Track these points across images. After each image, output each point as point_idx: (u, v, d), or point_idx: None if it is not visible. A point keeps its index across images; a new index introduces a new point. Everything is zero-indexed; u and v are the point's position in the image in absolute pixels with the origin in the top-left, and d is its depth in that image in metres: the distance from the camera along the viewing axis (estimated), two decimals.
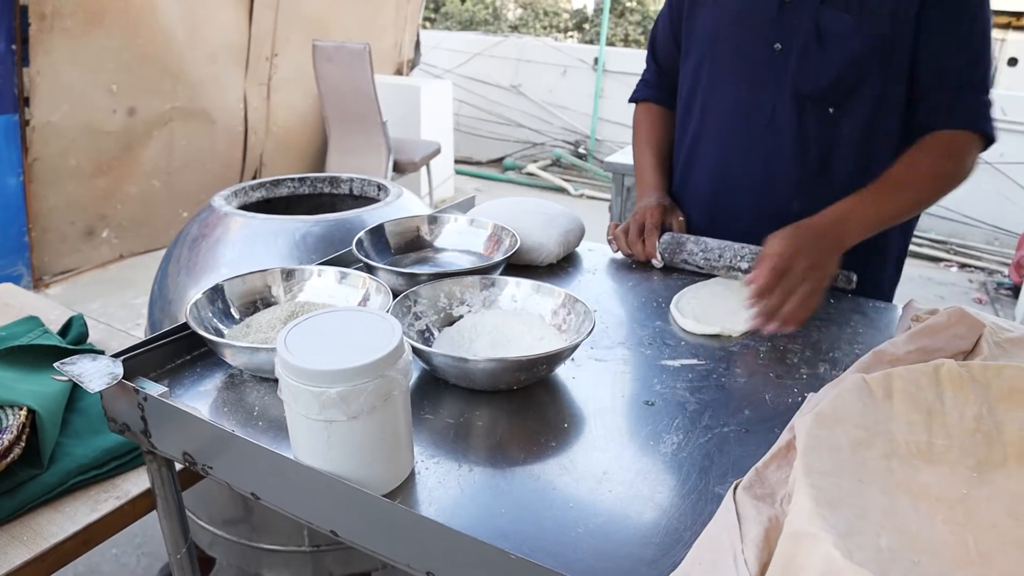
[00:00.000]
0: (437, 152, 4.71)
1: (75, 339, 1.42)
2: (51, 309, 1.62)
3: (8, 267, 3.58)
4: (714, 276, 1.34)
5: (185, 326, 1.01)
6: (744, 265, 1.29)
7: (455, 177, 5.86)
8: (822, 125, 1.31)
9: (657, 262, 1.39)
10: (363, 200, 1.80)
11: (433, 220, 1.42)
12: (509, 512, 0.75)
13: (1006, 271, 4.53)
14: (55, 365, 0.88)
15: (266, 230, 1.51)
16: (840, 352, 1.09)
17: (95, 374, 0.87)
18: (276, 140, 4.96)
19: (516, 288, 1.12)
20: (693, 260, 1.36)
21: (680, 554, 0.68)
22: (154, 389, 0.92)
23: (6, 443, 1.06)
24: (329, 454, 0.75)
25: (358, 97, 4.25)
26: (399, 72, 5.94)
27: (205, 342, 0.98)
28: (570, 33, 10.51)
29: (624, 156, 3.10)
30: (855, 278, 1.27)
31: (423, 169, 4.67)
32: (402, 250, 1.38)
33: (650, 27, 1.64)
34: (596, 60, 6.34)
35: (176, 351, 1.03)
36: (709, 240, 1.36)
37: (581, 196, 5.92)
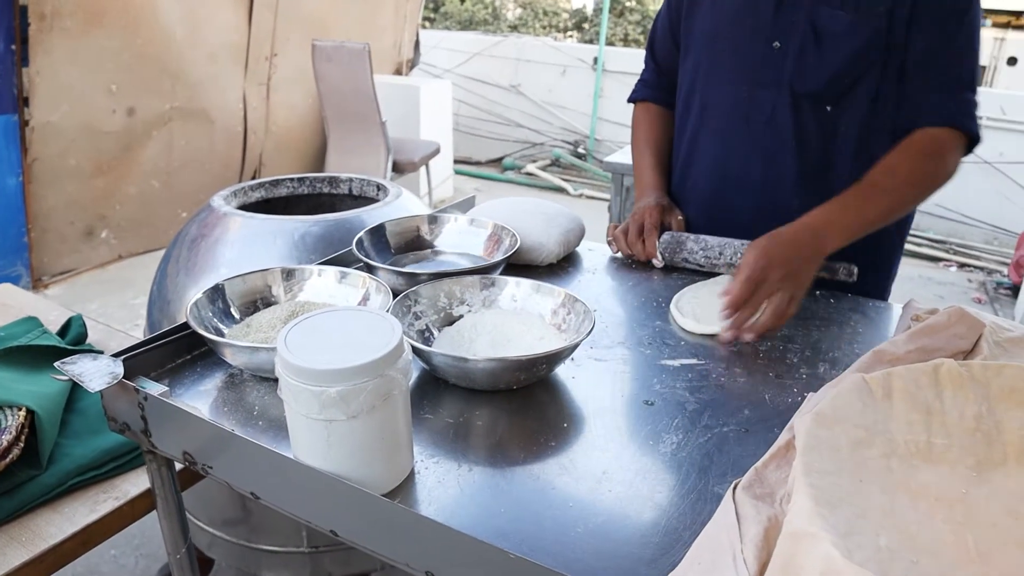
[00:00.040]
0: (436, 152, 4.71)
1: (74, 339, 1.42)
2: (50, 309, 1.62)
3: (7, 267, 3.58)
4: (715, 274, 1.34)
5: (185, 325, 1.01)
6: None
7: (454, 177, 5.86)
8: (820, 123, 1.31)
9: (658, 262, 1.39)
10: (362, 200, 1.80)
11: (433, 220, 1.42)
12: (509, 512, 0.75)
13: (1005, 271, 4.53)
14: (56, 364, 0.88)
15: (265, 230, 1.50)
16: (840, 352, 1.09)
17: (95, 373, 0.87)
18: (275, 140, 4.96)
19: (516, 288, 1.12)
20: (694, 259, 1.36)
21: (679, 553, 0.68)
22: (154, 388, 0.92)
23: (5, 444, 1.06)
24: (329, 453, 0.75)
25: (357, 97, 4.25)
26: (398, 72, 5.94)
27: (205, 341, 0.98)
28: (569, 33, 10.52)
29: (623, 156, 3.10)
30: (856, 270, 1.27)
31: (422, 169, 4.67)
32: (402, 250, 1.38)
33: (649, 27, 1.64)
34: (595, 60, 6.34)
35: (176, 351, 1.03)
36: (709, 238, 1.36)
37: (580, 196, 5.92)
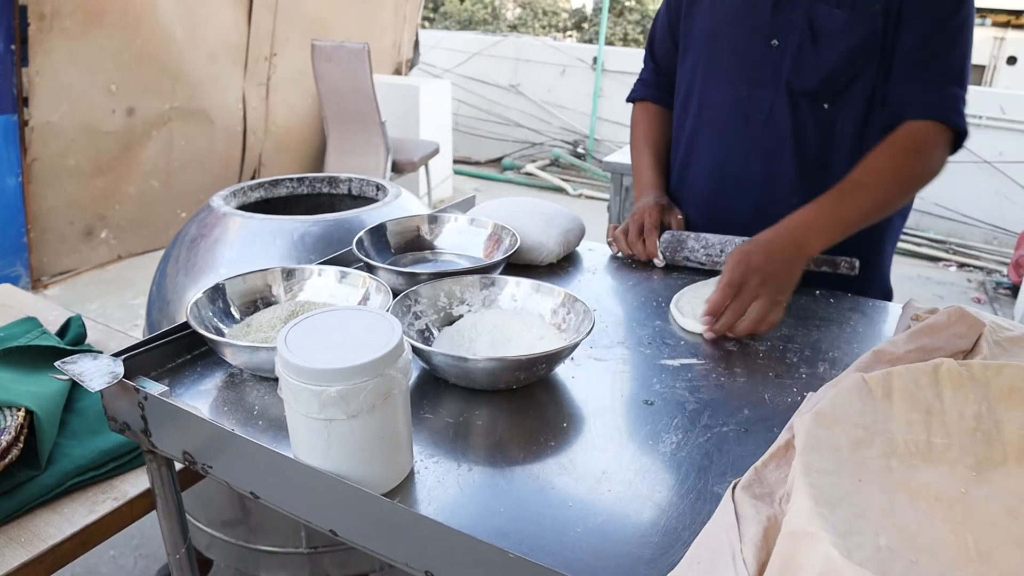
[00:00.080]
0: (436, 152, 4.71)
1: (73, 340, 1.42)
2: (49, 310, 1.61)
3: (6, 268, 3.58)
4: (716, 273, 1.34)
5: (186, 325, 1.01)
6: None
7: (454, 177, 5.86)
8: (818, 121, 1.32)
9: (659, 261, 1.39)
10: (362, 200, 1.80)
11: (433, 220, 1.42)
12: (508, 511, 0.75)
13: (1005, 270, 4.53)
14: (56, 364, 0.88)
15: (265, 230, 1.50)
16: (839, 351, 1.09)
17: (96, 373, 0.87)
18: (275, 140, 4.96)
19: (516, 287, 1.12)
20: (695, 257, 1.36)
21: (679, 553, 0.68)
22: (154, 388, 0.92)
23: (4, 444, 1.06)
24: (329, 453, 0.75)
25: (357, 97, 4.25)
26: (398, 72, 5.94)
27: (206, 341, 0.98)
28: (569, 32, 10.52)
29: (623, 156, 3.09)
30: (858, 264, 1.27)
31: (422, 169, 4.67)
32: (402, 250, 1.38)
33: (649, 26, 1.64)
34: (595, 59, 6.34)
35: (176, 350, 1.03)
36: (710, 236, 1.36)
37: (580, 196, 5.92)
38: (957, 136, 1.27)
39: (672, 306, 1.21)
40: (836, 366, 1.05)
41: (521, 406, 0.94)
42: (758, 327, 1.10)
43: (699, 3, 1.42)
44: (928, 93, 1.24)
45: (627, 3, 10.08)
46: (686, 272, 1.38)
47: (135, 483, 1.13)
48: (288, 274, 1.16)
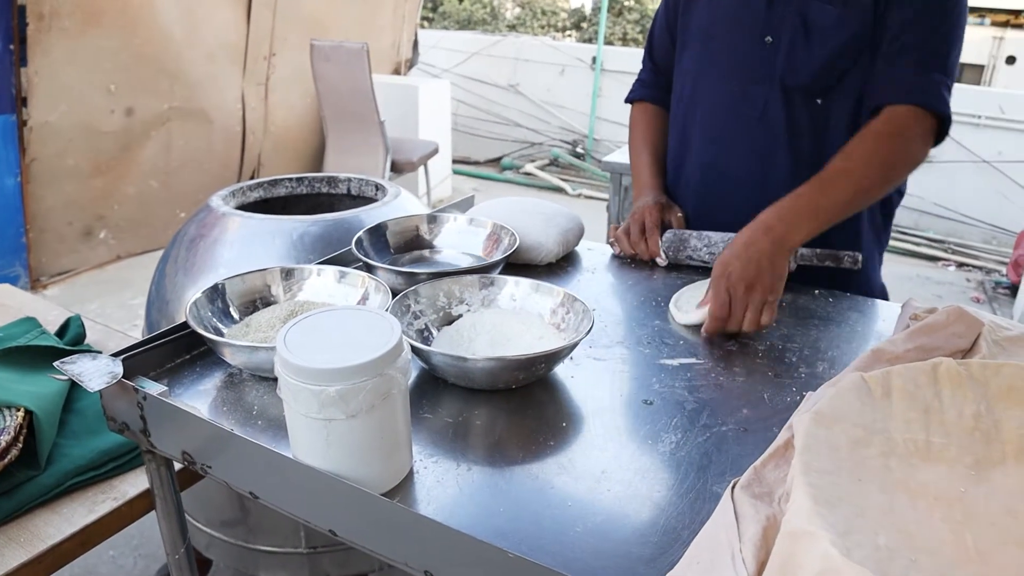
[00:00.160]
0: (435, 152, 4.71)
1: (73, 340, 1.42)
2: (49, 310, 1.61)
3: (6, 268, 3.58)
4: None
5: (185, 325, 1.01)
6: None
7: (453, 177, 5.86)
8: (812, 116, 1.32)
9: (661, 260, 1.39)
10: (361, 200, 1.80)
11: (432, 219, 1.42)
12: (508, 511, 0.75)
13: (1004, 270, 4.53)
14: (55, 364, 0.88)
15: (264, 230, 1.50)
16: (838, 351, 1.09)
17: (95, 373, 0.87)
18: (274, 140, 4.96)
19: (515, 287, 1.12)
20: (698, 255, 1.36)
21: (678, 553, 0.68)
22: (153, 388, 0.92)
23: (3, 444, 1.06)
24: (328, 453, 0.75)
25: (356, 97, 4.25)
26: (397, 72, 5.94)
27: (205, 341, 0.98)
28: (568, 32, 10.53)
29: (622, 155, 3.09)
30: (860, 257, 1.27)
31: (421, 169, 4.67)
32: (401, 249, 1.38)
33: (648, 26, 1.64)
34: (594, 59, 6.34)
35: (175, 350, 1.03)
36: (712, 234, 1.36)
37: (579, 196, 5.92)
38: (941, 124, 1.25)
39: (671, 305, 1.21)
40: (835, 365, 1.05)
41: (520, 406, 0.94)
42: (756, 329, 1.12)
43: (696, 2, 1.43)
44: (909, 78, 1.23)
45: (626, 3, 10.08)
46: (685, 271, 1.38)
47: (134, 483, 1.13)
48: (287, 274, 1.16)
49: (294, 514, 0.80)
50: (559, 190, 6.03)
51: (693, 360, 1.06)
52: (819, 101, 1.31)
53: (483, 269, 1.20)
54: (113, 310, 3.60)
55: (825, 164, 1.31)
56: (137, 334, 2.15)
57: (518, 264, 1.36)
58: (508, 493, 0.78)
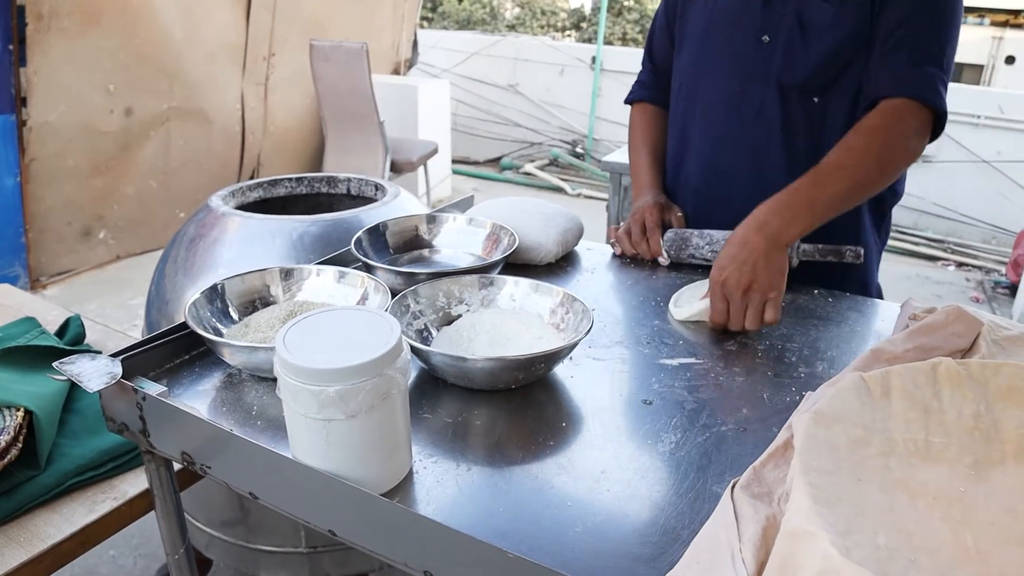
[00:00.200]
0: (434, 152, 4.71)
1: (72, 340, 1.42)
2: (48, 310, 1.61)
3: (5, 268, 3.58)
4: None
5: (184, 325, 1.01)
6: None
7: (452, 177, 5.86)
8: (808, 115, 1.32)
9: (663, 260, 1.39)
10: (360, 200, 1.80)
11: (432, 219, 1.42)
12: (507, 511, 0.75)
13: (1003, 270, 4.53)
14: (54, 364, 0.88)
15: (263, 230, 1.50)
16: (838, 351, 1.09)
17: (94, 373, 0.87)
18: (273, 140, 4.96)
19: (514, 287, 1.12)
20: (700, 254, 1.36)
21: (678, 553, 0.68)
22: (153, 389, 0.92)
23: (3, 444, 1.06)
24: (327, 453, 0.75)
25: (355, 97, 4.25)
26: (396, 72, 5.94)
27: (204, 341, 0.98)
28: (567, 32, 10.53)
29: (621, 155, 3.09)
30: (862, 251, 1.27)
31: (420, 169, 4.67)
32: (401, 249, 1.38)
33: (647, 26, 1.65)
34: (594, 59, 6.34)
35: (175, 351, 1.03)
36: (714, 232, 1.36)
37: (579, 196, 5.92)
38: (937, 119, 1.24)
39: (671, 304, 1.21)
40: (834, 365, 1.05)
41: (520, 406, 0.94)
42: (759, 326, 1.12)
43: (695, 2, 1.44)
44: (904, 71, 1.22)
45: (626, 2, 10.08)
46: (685, 271, 1.38)
47: (134, 483, 1.13)
48: (286, 274, 1.16)
49: (294, 514, 0.80)
50: (559, 190, 6.03)
51: (692, 360, 1.06)
52: (816, 100, 1.31)
53: (482, 269, 1.20)
54: (112, 310, 3.60)
55: None
56: (137, 334, 2.15)
57: (517, 264, 1.36)
58: (508, 493, 0.78)
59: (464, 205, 1.59)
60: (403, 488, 0.79)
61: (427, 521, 0.69)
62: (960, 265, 4.73)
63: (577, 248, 1.49)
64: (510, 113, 6.74)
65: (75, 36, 3.58)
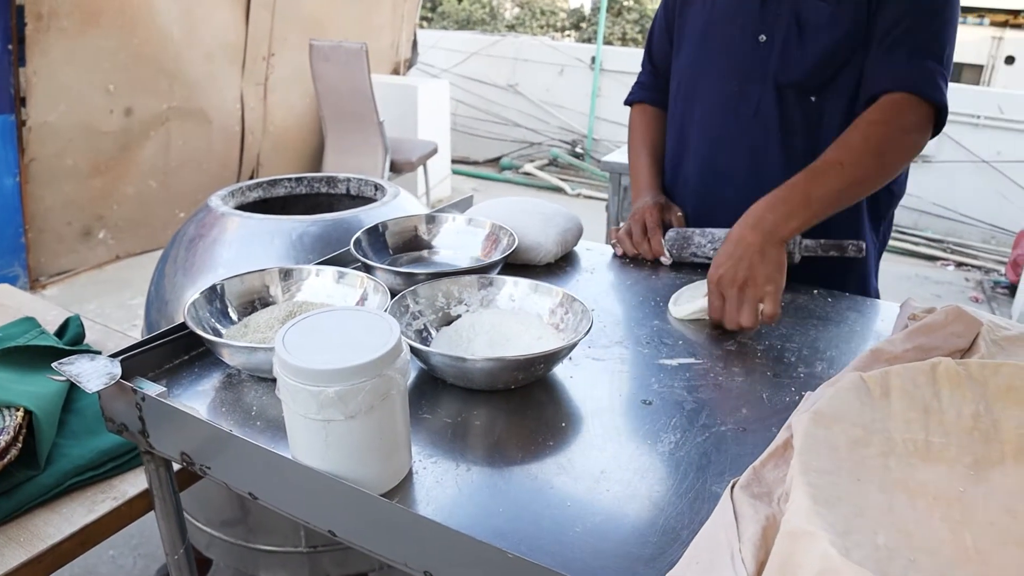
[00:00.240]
0: (434, 152, 4.71)
1: (72, 340, 1.42)
2: (48, 310, 1.61)
3: (4, 268, 3.58)
4: None
5: (183, 326, 1.01)
6: None
7: (452, 177, 5.86)
8: (805, 114, 1.32)
9: (666, 259, 1.39)
10: (360, 200, 1.80)
11: (431, 220, 1.42)
12: (507, 511, 0.75)
13: (1003, 269, 4.54)
14: (53, 365, 0.88)
15: (263, 230, 1.50)
16: (837, 351, 1.09)
17: (93, 374, 0.87)
18: (273, 140, 4.96)
19: (514, 287, 1.12)
20: (702, 252, 1.36)
21: (677, 553, 0.68)
22: (152, 389, 0.92)
23: (3, 444, 1.06)
24: (327, 454, 0.75)
25: (355, 97, 4.25)
26: (396, 72, 5.94)
27: (203, 342, 0.98)
28: (567, 32, 10.53)
29: (621, 155, 3.09)
30: (864, 245, 1.27)
31: (420, 169, 4.67)
32: (400, 250, 1.38)
33: (647, 26, 1.65)
34: (593, 59, 6.34)
35: (174, 351, 1.03)
36: (716, 231, 1.36)
37: (578, 196, 5.92)
38: (938, 114, 1.24)
39: (670, 304, 1.21)
40: (834, 365, 1.05)
41: (519, 406, 0.94)
42: (755, 325, 1.11)
43: (693, 2, 1.44)
44: (903, 66, 1.22)
45: (625, 3, 10.08)
46: (685, 271, 1.38)
47: (134, 483, 1.13)
48: (286, 274, 1.16)
49: (293, 515, 0.80)
50: (558, 190, 6.03)
51: (692, 360, 1.06)
52: (813, 99, 1.31)
53: (482, 269, 1.20)
54: (112, 310, 3.60)
55: None
56: (136, 334, 2.15)
57: (517, 264, 1.36)
58: (507, 493, 0.78)
59: (463, 205, 1.59)
60: (403, 488, 0.79)
61: (427, 521, 0.69)
62: (959, 265, 4.74)
63: (576, 248, 1.49)
64: (510, 113, 6.74)
65: (74, 36, 3.58)
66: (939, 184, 4.92)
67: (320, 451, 0.75)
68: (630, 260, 1.44)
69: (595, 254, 1.47)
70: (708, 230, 1.37)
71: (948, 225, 5.04)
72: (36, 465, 1.09)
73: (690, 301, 1.20)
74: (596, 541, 0.71)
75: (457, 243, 1.40)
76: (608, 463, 0.83)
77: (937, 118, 1.24)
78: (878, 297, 1.44)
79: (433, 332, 1.07)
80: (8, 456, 1.06)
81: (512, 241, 1.31)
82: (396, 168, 4.44)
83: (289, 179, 1.80)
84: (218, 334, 1.04)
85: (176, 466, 0.98)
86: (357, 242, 1.28)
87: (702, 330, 1.15)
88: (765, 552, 0.61)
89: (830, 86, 1.30)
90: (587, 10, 10.75)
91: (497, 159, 6.77)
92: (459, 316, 1.10)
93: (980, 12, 9.52)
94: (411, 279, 1.15)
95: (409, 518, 0.70)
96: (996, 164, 4.84)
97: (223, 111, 4.54)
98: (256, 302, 1.12)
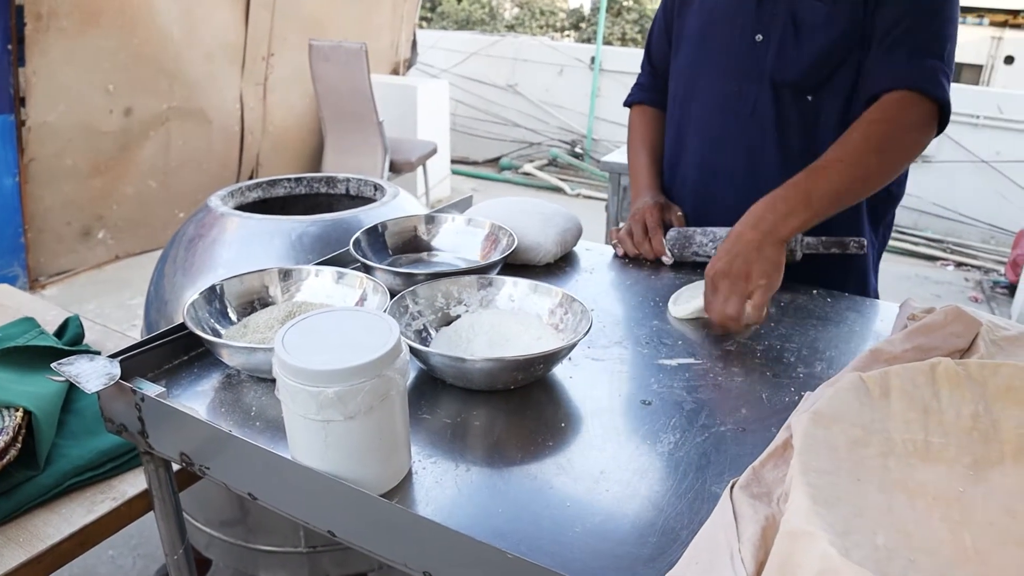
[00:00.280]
0: (434, 152, 4.71)
1: (71, 340, 1.42)
2: (47, 310, 1.61)
3: (4, 268, 3.58)
4: None
5: (182, 326, 1.01)
6: None
7: (451, 177, 5.86)
8: (802, 113, 1.33)
9: (667, 259, 1.40)
10: (359, 200, 1.80)
11: (430, 220, 1.42)
12: (506, 512, 0.75)
13: (1002, 269, 4.54)
14: (52, 365, 0.88)
15: (262, 230, 1.50)
16: (837, 351, 1.09)
17: (92, 374, 0.87)
18: (272, 140, 4.96)
19: (513, 288, 1.12)
20: (704, 251, 1.36)
21: (677, 553, 0.68)
22: (151, 389, 0.91)
23: (2, 444, 1.06)
24: (326, 454, 0.75)
25: (354, 97, 4.25)
26: (395, 72, 5.94)
27: (202, 342, 0.98)
28: (567, 32, 10.53)
29: (620, 155, 3.09)
30: (865, 241, 1.26)
31: (419, 169, 4.67)
32: (399, 250, 1.38)
33: (647, 26, 1.65)
34: (593, 59, 6.34)
35: (173, 351, 1.03)
36: (717, 229, 1.36)
37: (578, 196, 5.92)
38: (941, 112, 1.23)
39: (670, 303, 1.21)
40: (833, 365, 1.05)
41: (519, 406, 0.94)
42: (737, 323, 1.10)
43: (691, 3, 1.45)
44: (904, 64, 1.21)
45: (625, 3, 10.08)
46: (684, 271, 1.38)
47: (133, 483, 1.13)
48: (285, 275, 1.16)
49: (293, 515, 0.80)
50: (558, 190, 6.03)
51: (691, 360, 1.06)
52: (809, 98, 1.31)
53: (481, 270, 1.20)
54: (112, 310, 3.60)
55: (815, 160, 1.31)
56: (136, 334, 2.15)
57: (516, 264, 1.36)
58: (507, 494, 0.78)
59: (463, 205, 1.59)
60: (402, 489, 0.79)
61: (426, 522, 0.69)
62: (959, 265, 4.74)
63: (576, 248, 1.49)
64: (509, 113, 6.74)
65: (74, 36, 3.58)
66: (939, 184, 4.92)
67: (319, 451, 0.75)
68: (629, 260, 1.44)
69: (594, 254, 1.47)
70: (709, 229, 1.37)
71: (948, 225, 5.04)
72: (35, 465, 1.09)
73: (689, 301, 1.20)
74: (595, 541, 0.71)
75: (456, 243, 1.40)
76: (607, 463, 0.83)
77: (940, 116, 1.23)
78: (877, 297, 1.45)
79: (432, 332, 1.07)
80: (7, 456, 1.06)
81: (511, 241, 1.31)
82: (395, 168, 4.44)
83: (289, 179, 1.80)
84: (217, 334, 1.04)
85: (175, 466, 0.98)
86: (356, 242, 1.28)
87: (702, 330, 1.16)
88: (765, 552, 0.61)
89: (826, 86, 1.30)
90: (587, 10, 10.75)
91: (496, 159, 6.77)
92: (458, 316, 1.10)
93: (980, 12, 9.52)
94: (410, 279, 1.15)
95: (409, 518, 0.70)
96: (995, 164, 4.84)
97: (223, 111, 4.54)
98: (255, 302, 1.12)
